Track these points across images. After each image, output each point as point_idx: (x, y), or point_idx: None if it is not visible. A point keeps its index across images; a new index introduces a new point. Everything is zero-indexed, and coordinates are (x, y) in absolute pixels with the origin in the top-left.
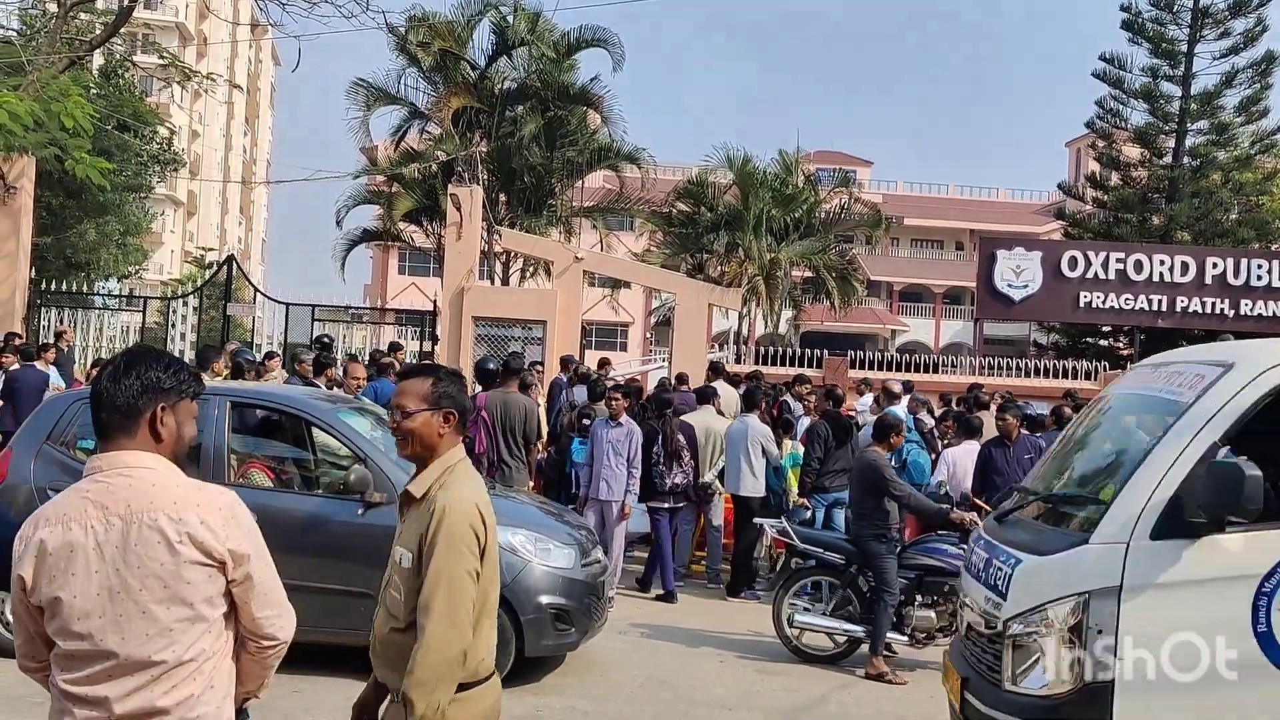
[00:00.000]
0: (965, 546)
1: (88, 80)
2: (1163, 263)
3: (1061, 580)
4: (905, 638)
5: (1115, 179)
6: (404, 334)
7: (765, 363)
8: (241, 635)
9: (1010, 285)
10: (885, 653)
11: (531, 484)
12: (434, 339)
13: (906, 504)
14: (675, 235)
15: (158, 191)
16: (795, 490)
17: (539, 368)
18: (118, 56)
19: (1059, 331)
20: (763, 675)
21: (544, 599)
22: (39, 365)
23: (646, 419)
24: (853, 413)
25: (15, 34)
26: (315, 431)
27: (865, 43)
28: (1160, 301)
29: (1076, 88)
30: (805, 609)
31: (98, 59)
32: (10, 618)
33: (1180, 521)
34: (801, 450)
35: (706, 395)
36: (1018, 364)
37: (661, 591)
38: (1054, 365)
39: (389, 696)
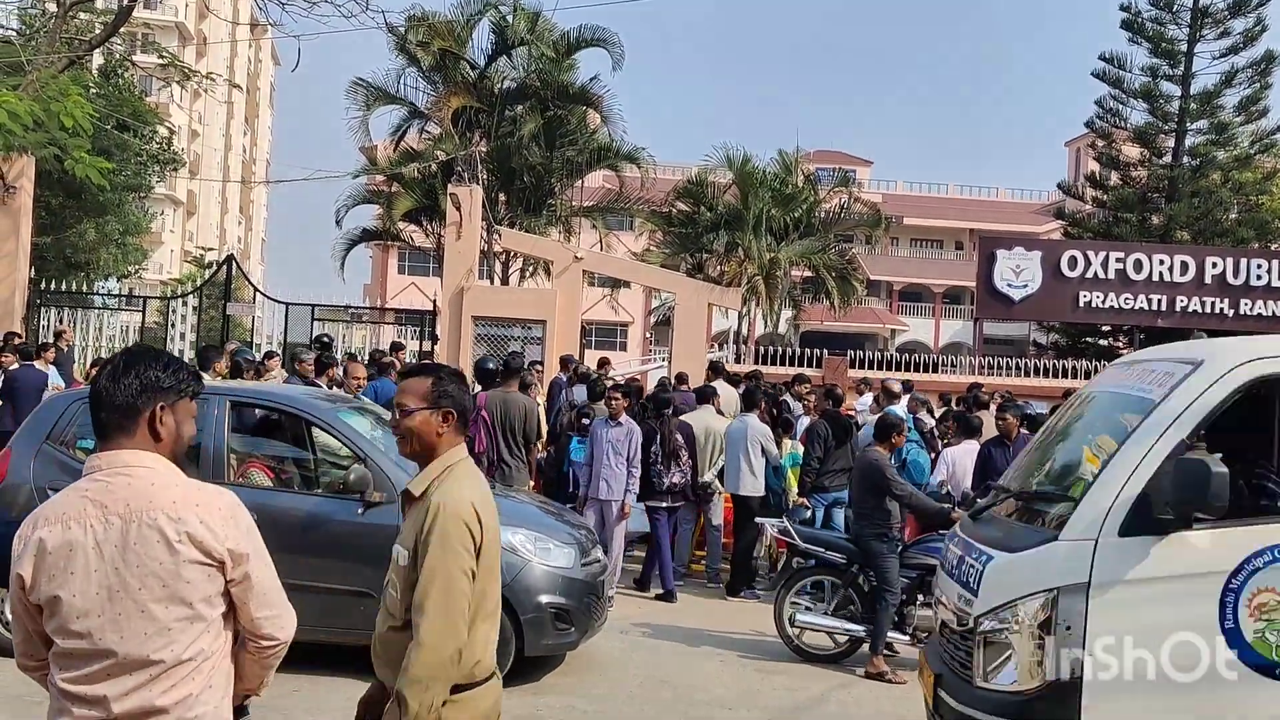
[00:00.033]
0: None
1: (87, 80)
2: (1162, 262)
3: (1031, 577)
4: (906, 637)
5: (1115, 178)
6: (403, 334)
7: (765, 362)
8: (241, 635)
9: (1010, 285)
10: (886, 652)
11: (531, 483)
12: (434, 339)
13: (908, 503)
14: (675, 235)
15: (157, 191)
16: (795, 490)
17: (538, 367)
18: (117, 56)
19: (1059, 331)
20: (763, 674)
21: (544, 598)
22: (38, 365)
23: (646, 418)
24: (852, 412)
25: (15, 33)
26: (315, 431)
27: (865, 42)
28: (1160, 301)
29: (1076, 87)
30: (807, 608)
31: (97, 58)
32: (9, 616)
33: (1148, 518)
34: (801, 450)
35: (706, 395)
36: (1017, 363)
37: (661, 591)
38: (1054, 365)
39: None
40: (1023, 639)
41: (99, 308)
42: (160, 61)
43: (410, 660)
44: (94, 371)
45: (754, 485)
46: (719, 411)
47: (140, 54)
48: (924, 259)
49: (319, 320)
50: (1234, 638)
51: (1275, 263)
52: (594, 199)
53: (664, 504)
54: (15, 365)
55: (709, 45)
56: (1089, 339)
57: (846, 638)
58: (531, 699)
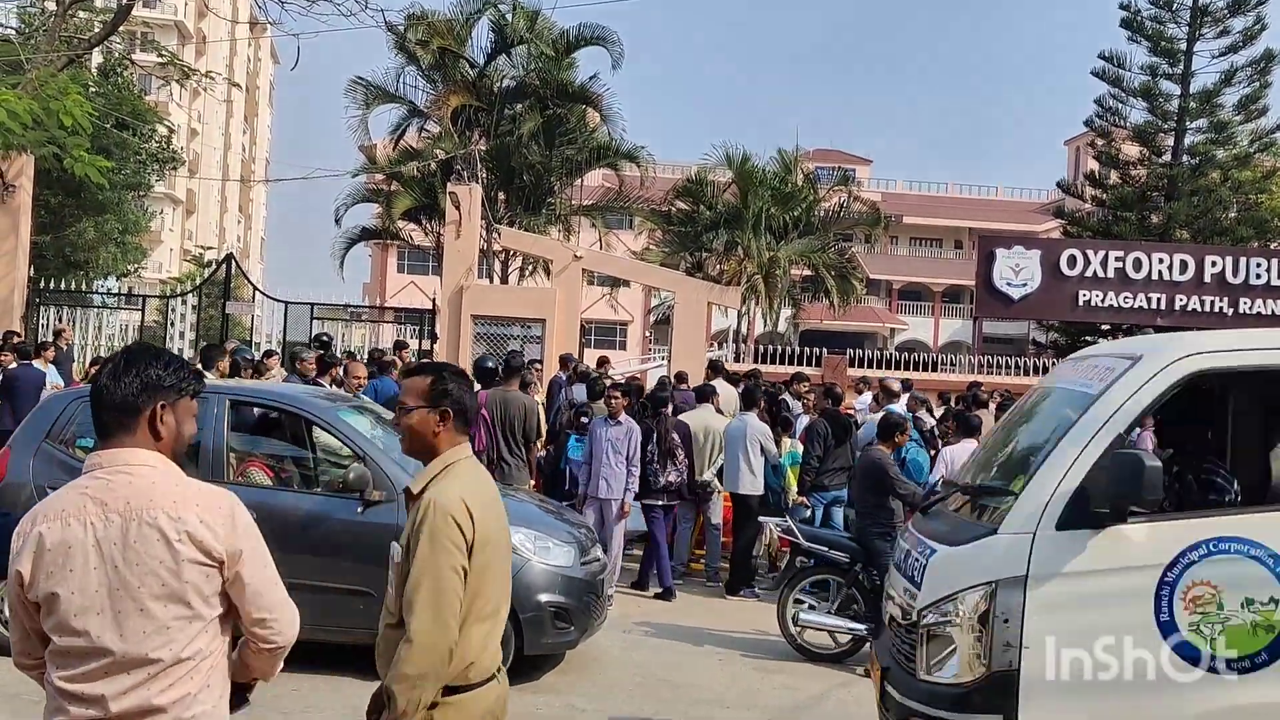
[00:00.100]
0: None
1: (86, 78)
2: (1161, 261)
3: (971, 570)
4: None
5: (1114, 177)
6: (403, 332)
7: (764, 361)
8: (243, 634)
9: (1009, 284)
10: None
11: (531, 482)
12: (433, 337)
13: (911, 502)
14: (674, 234)
15: (157, 190)
16: (794, 488)
17: (538, 366)
18: (116, 55)
19: (1058, 330)
20: (762, 673)
21: (543, 597)
22: (37, 364)
23: (644, 417)
24: (851, 411)
25: (14, 32)
26: (315, 430)
27: (865, 41)
28: (1159, 300)
29: (1075, 86)
30: (811, 607)
31: (96, 57)
32: (7, 614)
33: (1085, 512)
34: (800, 448)
35: (705, 394)
36: (1017, 362)
37: (659, 589)
38: (1053, 363)
39: None
40: (963, 632)
41: (98, 306)
42: (159, 60)
43: (399, 657)
44: (93, 370)
45: (753, 484)
46: (718, 410)
47: (139, 52)
48: (923, 258)
49: (318, 319)
50: (1169, 630)
51: (1274, 261)
52: (593, 198)
53: (660, 502)
54: (14, 364)
55: (709, 44)
56: (1088, 338)
57: (849, 637)
58: (531, 697)
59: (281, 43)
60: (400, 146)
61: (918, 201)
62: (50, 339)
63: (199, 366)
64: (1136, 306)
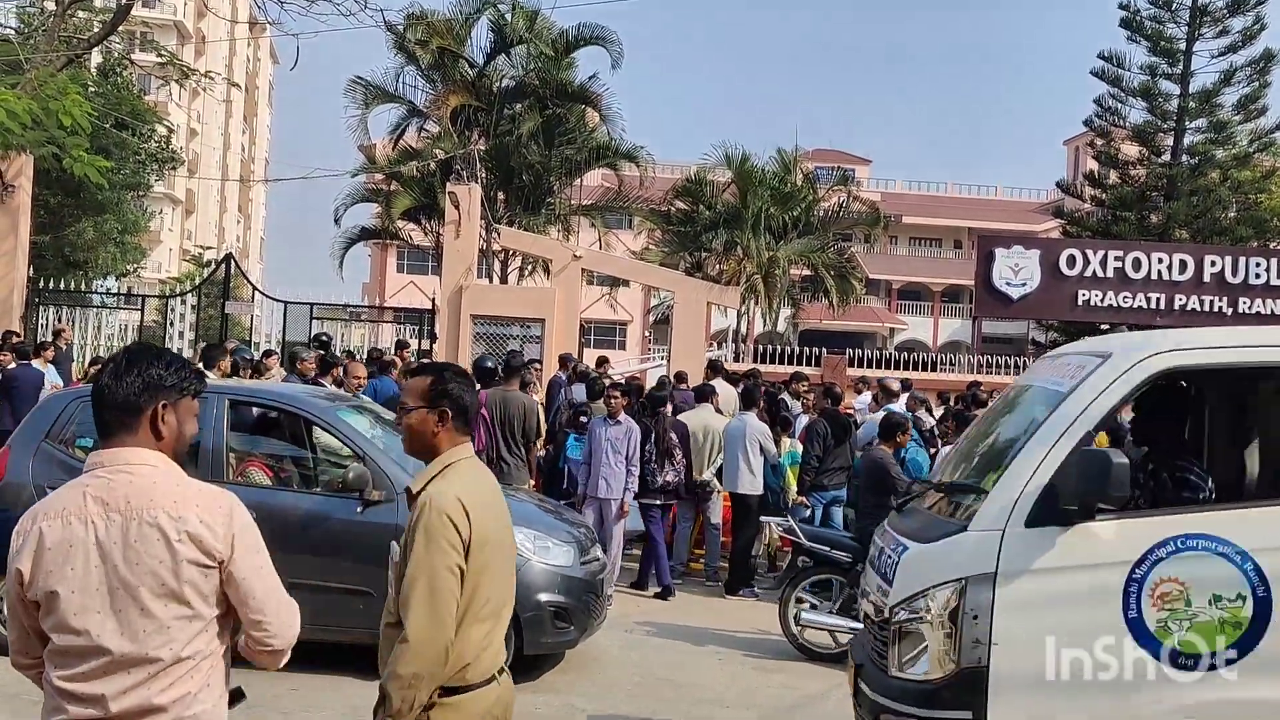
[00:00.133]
0: None
1: (86, 78)
2: (1161, 261)
3: (941, 567)
4: None
5: (1114, 177)
6: (402, 332)
7: (764, 361)
8: (244, 634)
9: (1008, 283)
10: None
11: (531, 482)
12: (432, 337)
13: None
14: (674, 233)
15: (156, 190)
16: (794, 488)
17: (537, 366)
18: (116, 54)
19: (1057, 329)
20: (761, 672)
21: (543, 597)
22: (36, 364)
23: (642, 417)
24: (851, 411)
25: (13, 32)
26: (314, 430)
27: (864, 41)
28: (1158, 300)
29: (1075, 86)
30: (812, 606)
31: (96, 57)
32: (5, 613)
33: (1054, 509)
34: (800, 448)
35: (705, 393)
36: (1016, 362)
37: (658, 589)
38: None
39: None
40: (933, 629)
41: (97, 306)
42: (159, 60)
43: (395, 656)
44: (92, 370)
45: (752, 484)
46: (718, 410)
47: (139, 52)
48: (923, 257)
49: (318, 319)
50: (1137, 627)
51: (1274, 261)
52: (593, 197)
53: (657, 502)
54: (13, 364)
55: (708, 43)
56: (1088, 337)
57: (850, 636)
58: (530, 697)
59: (281, 42)
60: (400, 146)
61: (917, 201)
62: (49, 339)
63: (200, 366)
64: (1136, 306)
